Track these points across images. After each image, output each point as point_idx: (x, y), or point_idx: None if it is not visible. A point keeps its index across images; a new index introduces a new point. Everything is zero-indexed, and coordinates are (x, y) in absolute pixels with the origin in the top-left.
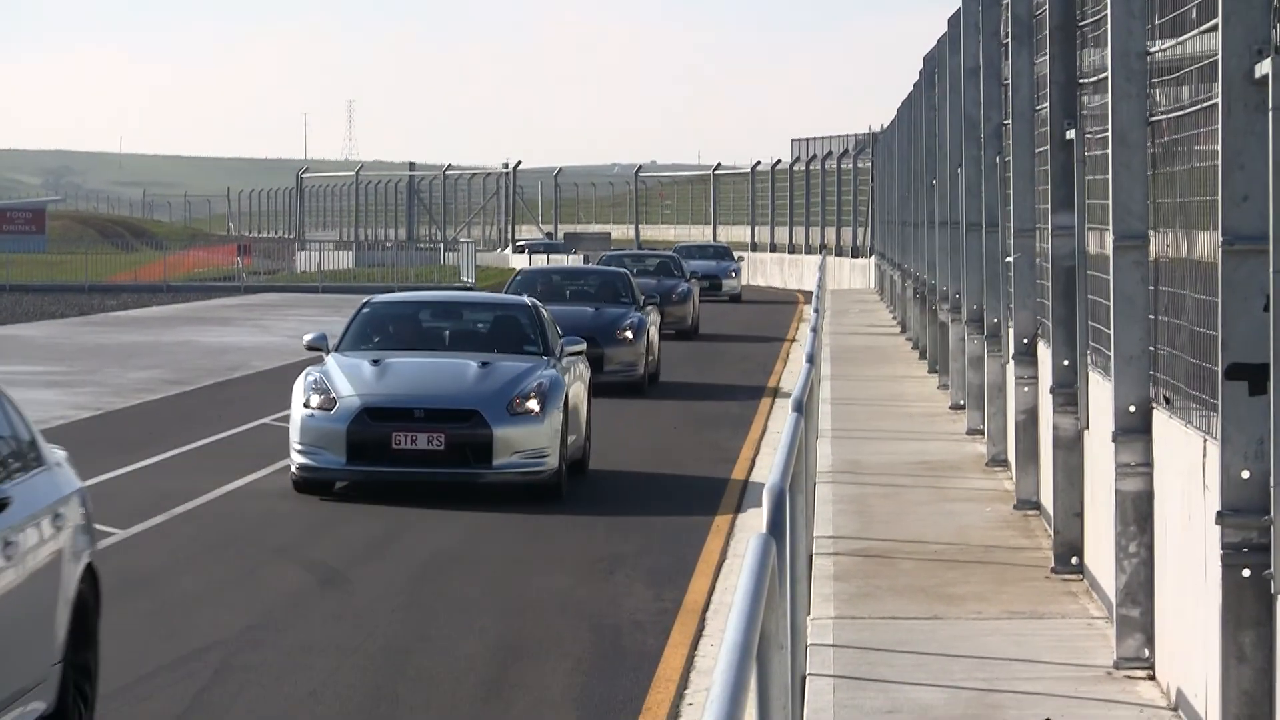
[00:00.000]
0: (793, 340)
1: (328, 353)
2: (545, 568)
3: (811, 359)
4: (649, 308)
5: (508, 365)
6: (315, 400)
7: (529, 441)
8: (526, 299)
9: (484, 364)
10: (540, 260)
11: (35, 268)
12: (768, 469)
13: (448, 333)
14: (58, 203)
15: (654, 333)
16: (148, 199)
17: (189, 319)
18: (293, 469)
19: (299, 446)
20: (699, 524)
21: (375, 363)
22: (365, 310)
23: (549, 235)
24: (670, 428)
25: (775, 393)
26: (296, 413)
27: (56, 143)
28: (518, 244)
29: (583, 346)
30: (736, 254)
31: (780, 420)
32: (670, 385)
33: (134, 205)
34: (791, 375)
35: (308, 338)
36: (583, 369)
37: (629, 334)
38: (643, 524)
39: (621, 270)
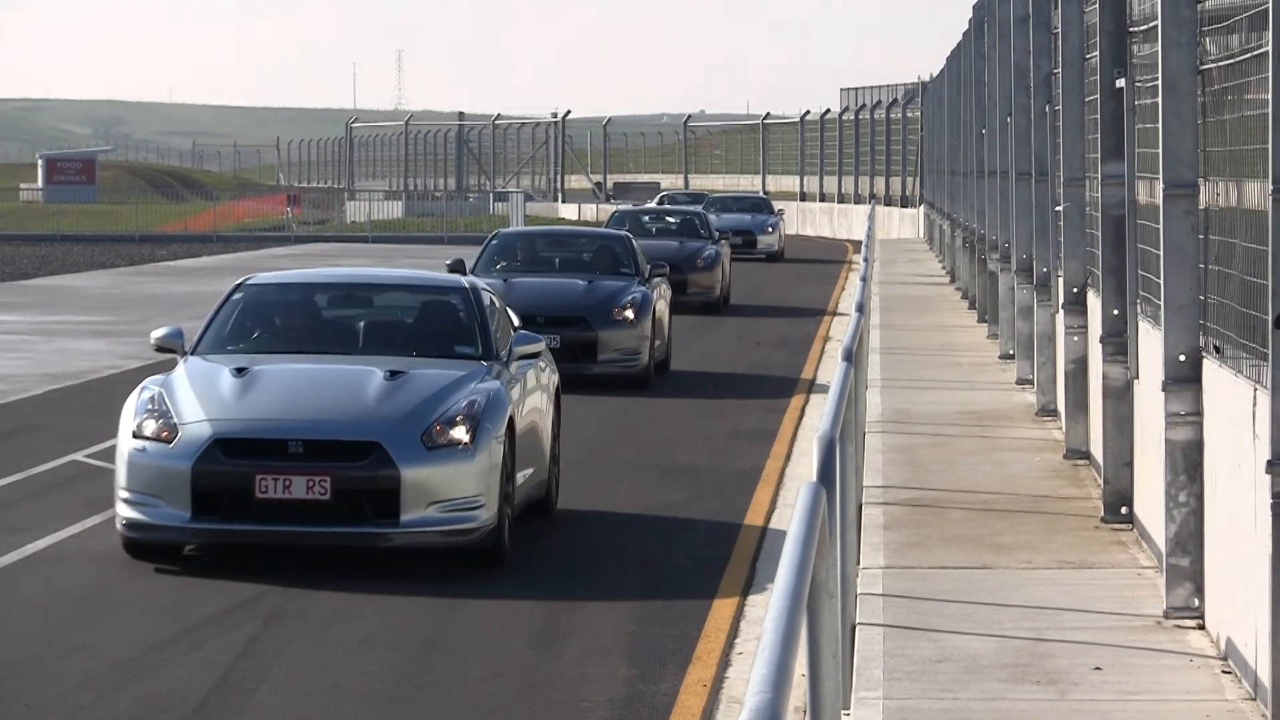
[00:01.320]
0: (834, 314)
1: (183, 356)
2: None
3: (861, 308)
4: (656, 279)
5: (429, 375)
6: (150, 427)
7: (453, 486)
8: (464, 280)
9: (394, 374)
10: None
11: (86, 218)
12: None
13: (360, 326)
14: (108, 153)
15: (663, 309)
16: (197, 149)
17: (239, 269)
18: (119, 525)
19: (126, 494)
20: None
21: (240, 372)
22: (237, 295)
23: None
24: (669, 445)
25: (810, 387)
26: (124, 445)
27: (106, 93)
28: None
29: (540, 346)
30: (779, 205)
31: (809, 438)
32: (682, 376)
33: (183, 155)
34: (827, 369)
35: (157, 334)
36: (544, 375)
37: (629, 313)
38: (605, 613)
39: (622, 234)
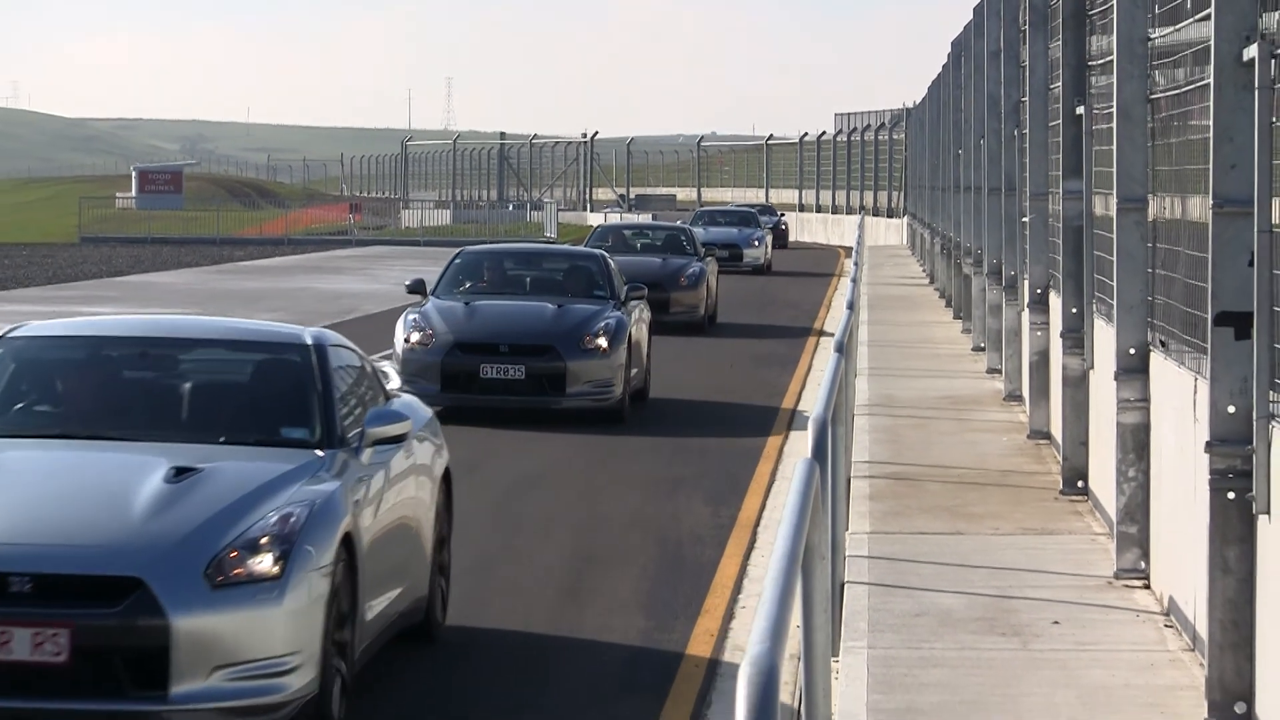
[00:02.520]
0: (820, 334)
1: None
2: None
3: (852, 306)
4: (634, 302)
5: (230, 474)
6: None
7: (252, 642)
8: (308, 334)
9: (181, 472)
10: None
11: (173, 223)
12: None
13: (157, 399)
14: (193, 166)
15: (641, 335)
16: (271, 163)
17: (307, 268)
18: None
19: None
20: None
21: None
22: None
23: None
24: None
25: (790, 422)
26: None
27: (192, 113)
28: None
29: (405, 427)
30: (768, 217)
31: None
32: (662, 405)
33: (259, 168)
34: (810, 400)
35: None
36: (426, 454)
37: (602, 341)
38: None
39: (597, 253)
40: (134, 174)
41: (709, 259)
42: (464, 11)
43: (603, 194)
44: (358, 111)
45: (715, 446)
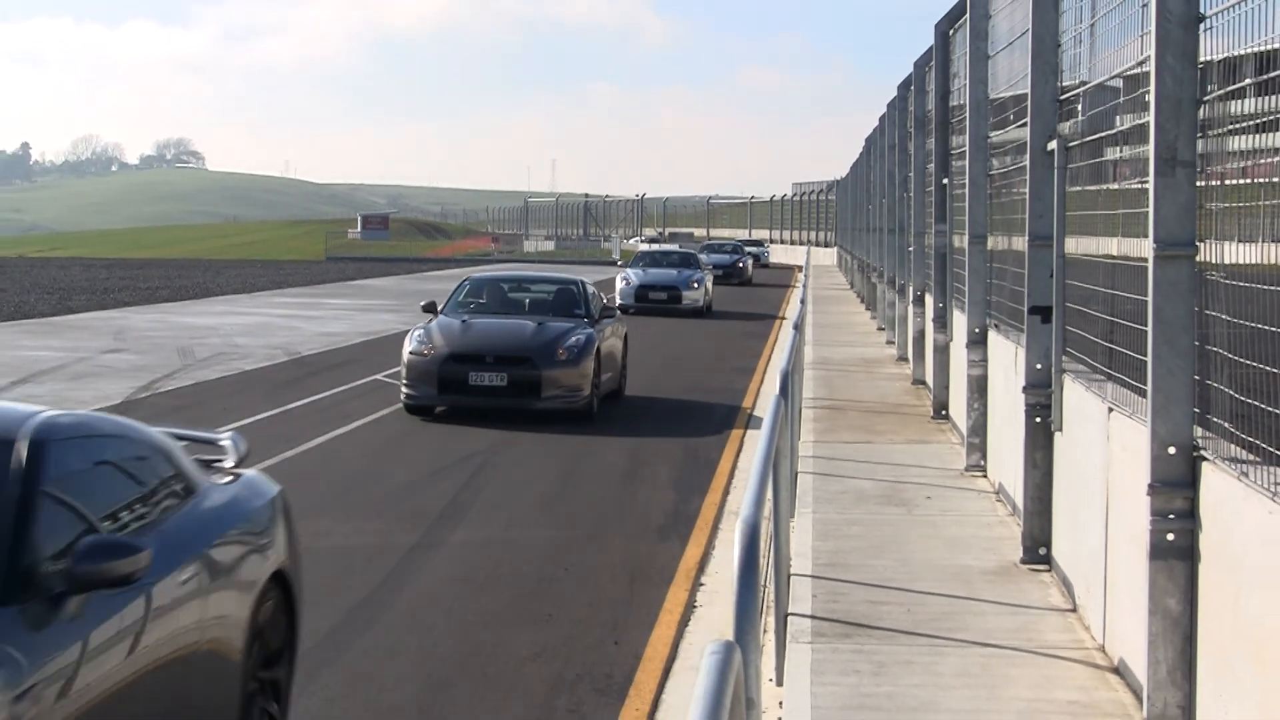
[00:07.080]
0: (748, 423)
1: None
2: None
3: (804, 301)
4: (255, 549)
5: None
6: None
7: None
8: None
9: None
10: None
11: (383, 248)
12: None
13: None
14: (395, 213)
15: None
16: (443, 211)
17: (465, 277)
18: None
19: None
20: None
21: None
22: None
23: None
24: None
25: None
26: None
27: (396, 179)
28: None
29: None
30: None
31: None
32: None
33: (436, 214)
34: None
35: None
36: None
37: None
38: None
39: (228, 442)
40: (359, 218)
41: (606, 320)
42: (563, 116)
43: (648, 231)
44: (497, 178)
45: None
